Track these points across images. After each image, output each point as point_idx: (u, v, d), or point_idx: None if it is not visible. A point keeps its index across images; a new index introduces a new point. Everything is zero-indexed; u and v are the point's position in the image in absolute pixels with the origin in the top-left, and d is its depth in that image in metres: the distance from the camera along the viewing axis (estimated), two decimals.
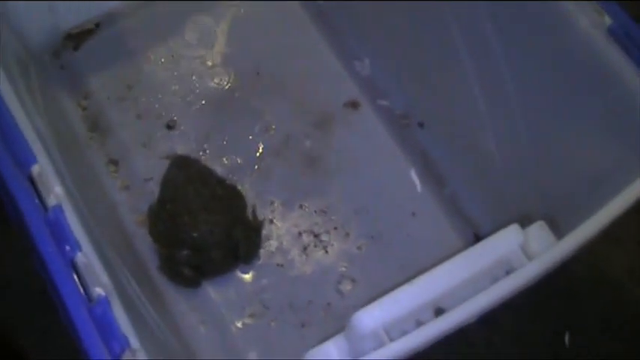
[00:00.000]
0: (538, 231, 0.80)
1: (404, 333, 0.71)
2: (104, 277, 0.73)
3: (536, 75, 1.01)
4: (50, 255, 0.73)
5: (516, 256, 0.77)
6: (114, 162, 1.23)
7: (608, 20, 0.88)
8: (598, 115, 0.94)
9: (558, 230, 0.80)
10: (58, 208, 0.75)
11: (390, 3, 1.24)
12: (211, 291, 1.15)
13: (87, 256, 0.74)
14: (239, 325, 1.13)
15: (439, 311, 0.75)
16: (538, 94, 1.02)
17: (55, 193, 0.76)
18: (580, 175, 0.97)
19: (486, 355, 1.15)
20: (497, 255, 0.77)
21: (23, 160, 0.78)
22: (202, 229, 1.11)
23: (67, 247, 0.73)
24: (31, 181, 0.78)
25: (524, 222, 0.79)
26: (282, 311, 1.14)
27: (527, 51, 1.02)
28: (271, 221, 1.20)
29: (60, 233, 0.74)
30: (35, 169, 0.78)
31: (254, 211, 1.19)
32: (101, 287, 0.73)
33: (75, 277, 0.73)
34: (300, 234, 1.20)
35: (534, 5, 0.95)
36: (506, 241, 0.77)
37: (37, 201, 0.76)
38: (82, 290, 0.72)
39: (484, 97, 1.13)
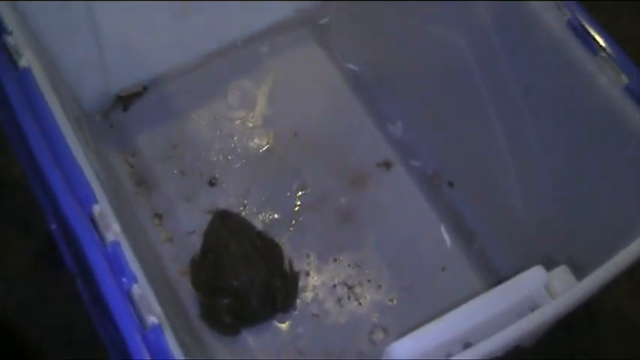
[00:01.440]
0: (561, 273, 0.84)
1: None
2: (157, 308, 0.79)
3: (558, 130, 1.08)
4: (108, 286, 0.79)
5: (540, 294, 0.81)
6: (158, 216, 1.29)
7: (624, 79, 0.95)
8: (615, 166, 1.00)
9: (580, 274, 0.85)
10: (117, 244, 0.81)
11: (421, 69, 1.33)
12: (250, 339, 1.20)
13: (142, 288, 0.79)
14: None
15: (467, 345, 0.79)
16: (561, 151, 1.09)
17: (114, 230, 0.82)
18: (602, 225, 1.02)
19: None
20: (523, 293, 0.82)
21: (84, 199, 0.84)
22: (242, 278, 1.17)
23: (124, 279, 0.79)
24: (92, 219, 0.83)
25: (549, 267, 0.84)
26: (317, 358, 1.18)
27: (549, 107, 1.08)
28: (307, 273, 1.26)
29: (117, 266, 0.80)
30: (96, 209, 0.83)
31: (290, 263, 1.25)
32: (155, 316, 0.78)
33: (130, 307, 0.78)
34: (334, 286, 1.25)
35: (556, 64, 1.02)
36: (531, 280, 0.82)
37: (97, 237, 0.82)
38: (136, 319, 0.77)
39: (511, 157, 1.19)
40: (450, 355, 0.77)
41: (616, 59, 0.95)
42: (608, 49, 0.96)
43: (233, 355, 1.17)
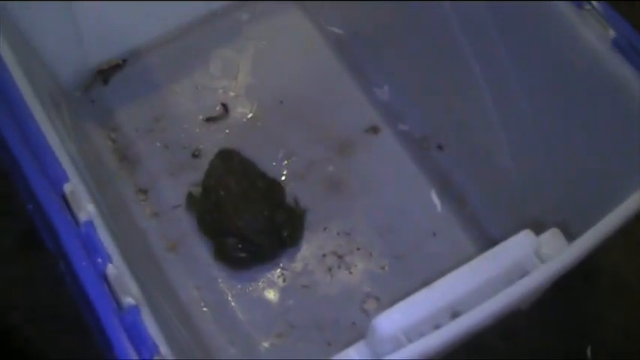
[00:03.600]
0: (551, 237, 0.82)
1: (422, 336, 0.73)
2: (134, 288, 0.77)
3: (546, 89, 1.05)
4: (82, 267, 0.76)
5: (530, 260, 0.79)
6: (143, 191, 1.27)
7: (612, 33, 0.91)
8: (605, 124, 0.97)
9: (572, 238, 0.82)
10: (90, 223, 0.78)
11: (407, 32, 1.29)
12: (239, 312, 1.18)
13: (118, 268, 0.77)
14: (266, 345, 1.15)
15: (456, 315, 0.77)
16: (549, 108, 1.06)
17: (87, 210, 0.79)
18: (591, 183, 1.00)
19: None
20: (512, 259, 0.79)
21: (55, 178, 0.82)
22: (245, 217, 1.17)
23: (99, 260, 0.76)
24: (64, 199, 0.80)
25: (540, 230, 0.81)
26: (309, 331, 1.16)
27: (537, 66, 1.05)
28: None
29: (91, 247, 0.77)
30: (67, 187, 0.81)
31: (296, 200, 1.24)
32: (131, 297, 0.75)
33: (106, 288, 0.75)
34: (324, 255, 1.22)
35: (541, 21, 0.99)
36: (520, 246, 0.80)
37: (69, 217, 0.79)
38: (113, 300, 0.75)
39: (498, 116, 1.17)
40: (439, 326, 0.74)
41: (602, 12, 0.92)
42: (594, 2, 0.92)
43: (223, 329, 1.15)
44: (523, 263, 0.79)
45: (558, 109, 1.03)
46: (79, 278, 0.76)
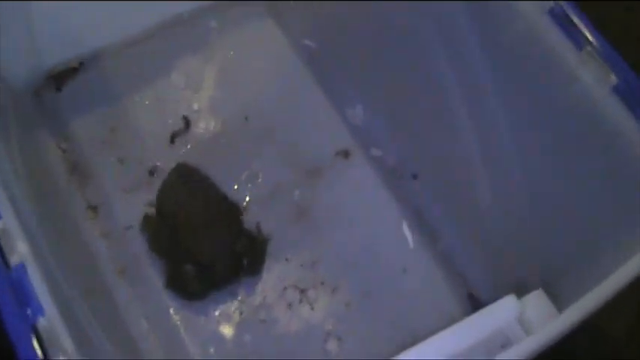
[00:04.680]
0: (536, 300, 0.77)
1: None
2: (68, 344, 0.68)
3: (536, 130, 0.98)
4: (11, 317, 0.68)
5: (513, 328, 0.72)
6: (93, 208, 1.18)
7: (613, 78, 0.83)
8: (600, 175, 0.90)
9: (556, 298, 0.78)
10: (20, 268, 0.69)
11: (385, 51, 1.22)
12: (191, 347, 1.10)
13: (50, 321, 0.68)
14: None
15: None
16: (537, 149, 0.99)
17: (19, 251, 0.71)
18: (579, 239, 0.93)
19: None
20: (493, 327, 0.73)
21: None
22: (205, 245, 1.10)
23: (29, 311, 0.68)
24: None
25: (521, 284, 0.77)
26: None
27: (527, 102, 0.98)
28: None
29: (22, 295, 0.69)
30: None
31: (258, 226, 1.17)
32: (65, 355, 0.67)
33: (35, 342, 0.67)
34: (285, 289, 1.15)
35: (536, 58, 0.91)
36: (502, 312, 0.73)
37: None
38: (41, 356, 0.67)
39: (480, 150, 1.10)
40: None
41: (604, 55, 0.84)
42: (596, 44, 0.84)
43: None
44: (505, 331, 0.71)
45: (547, 151, 0.96)
46: (8, 330, 0.67)
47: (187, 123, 1.26)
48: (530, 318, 0.74)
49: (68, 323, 0.71)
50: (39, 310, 0.69)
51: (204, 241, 1.10)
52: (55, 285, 0.76)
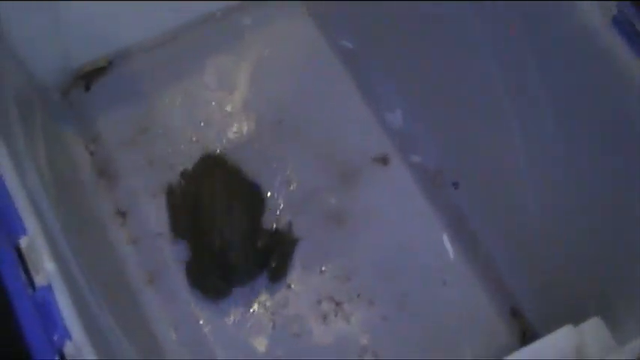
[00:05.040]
0: (594, 330, 0.71)
1: None
2: None
3: (589, 140, 0.92)
4: (37, 342, 0.64)
5: None
6: (121, 213, 1.16)
7: None
8: None
9: (614, 325, 0.73)
10: (47, 289, 0.65)
11: (426, 50, 1.16)
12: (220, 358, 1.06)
13: (77, 345, 0.64)
14: None
15: None
16: (593, 161, 0.92)
17: (45, 270, 0.67)
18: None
19: None
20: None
21: (12, 229, 0.69)
22: (220, 231, 1.08)
23: (56, 336, 0.64)
24: (19, 254, 0.68)
25: (571, 303, 0.77)
26: None
27: (581, 110, 0.92)
28: (289, 286, 1.12)
29: (48, 318, 0.65)
30: (24, 241, 0.68)
31: (290, 225, 1.15)
32: None
33: None
34: (319, 301, 1.11)
35: (593, 63, 0.86)
36: (560, 344, 0.68)
37: (24, 278, 0.66)
38: None
39: (528, 159, 1.04)
40: None
41: None
42: None
43: None
44: None
45: (605, 162, 0.90)
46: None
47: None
48: (590, 351, 0.69)
49: (95, 343, 0.67)
50: (66, 335, 0.65)
51: (220, 226, 1.08)
52: (82, 302, 0.73)
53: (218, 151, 1.19)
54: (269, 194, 1.18)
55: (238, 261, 1.08)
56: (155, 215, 1.15)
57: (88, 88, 1.23)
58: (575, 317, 0.78)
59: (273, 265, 1.11)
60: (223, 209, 1.10)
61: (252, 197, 1.14)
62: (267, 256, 1.10)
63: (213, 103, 1.25)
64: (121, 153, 1.20)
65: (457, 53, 1.11)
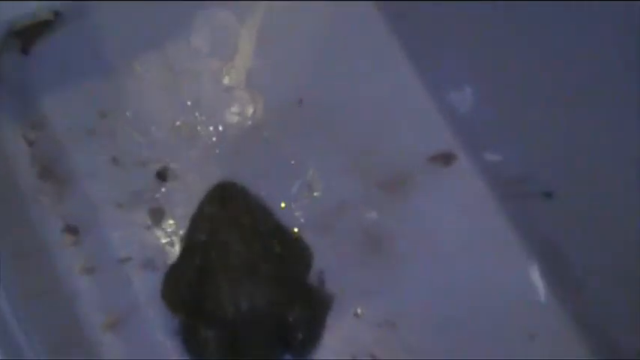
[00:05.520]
0: None
1: None
2: None
3: None
4: None
5: None
6: (72, 230, 1.16)
7: None
8: None
9: None
10: None
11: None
12: None
13: None
14: None
15: None
16: None
17: None
18: None
19: None
20: None
21: None
22: (242, 306, 1.08)
23: None
24: None
25: None
26: None
27: None
28: None
29: None
30: None
31: (322, 279, 1.15)
32: None
33: None
34: (354, 357, 1.12)
35: None
36: None
37: None
38: None
39: None
40: None
41: None
42: None
43: None
44: None
45: None
46: None
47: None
48: None
49: None
50: None
51: (241, 299, 1.07)
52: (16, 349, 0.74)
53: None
54: (283, 205, 1.17)
55: (258, 342, 1.10)
56: (120, 233, 1.15)
57: (25, 51, 1.23)
58: None
59: (301, 337, 1.11)
60: (241, 265, 1.09)
61: (293, 249, 1.14)
62: (294, 329, 1.11)
63: (205, 75, 1.24)
64: (73, 145, 1.20)
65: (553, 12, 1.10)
